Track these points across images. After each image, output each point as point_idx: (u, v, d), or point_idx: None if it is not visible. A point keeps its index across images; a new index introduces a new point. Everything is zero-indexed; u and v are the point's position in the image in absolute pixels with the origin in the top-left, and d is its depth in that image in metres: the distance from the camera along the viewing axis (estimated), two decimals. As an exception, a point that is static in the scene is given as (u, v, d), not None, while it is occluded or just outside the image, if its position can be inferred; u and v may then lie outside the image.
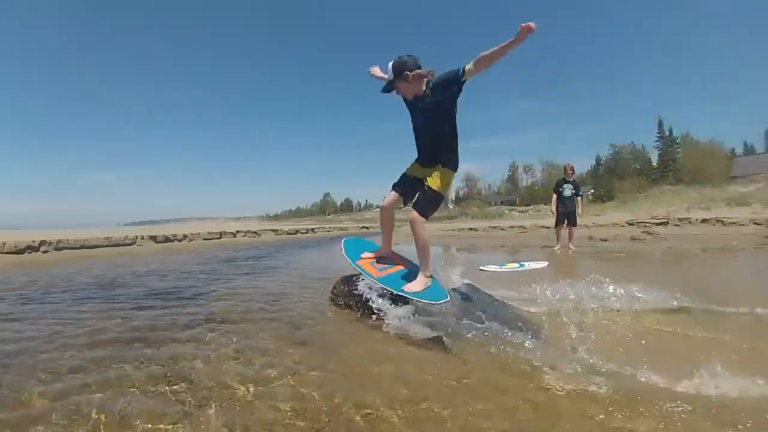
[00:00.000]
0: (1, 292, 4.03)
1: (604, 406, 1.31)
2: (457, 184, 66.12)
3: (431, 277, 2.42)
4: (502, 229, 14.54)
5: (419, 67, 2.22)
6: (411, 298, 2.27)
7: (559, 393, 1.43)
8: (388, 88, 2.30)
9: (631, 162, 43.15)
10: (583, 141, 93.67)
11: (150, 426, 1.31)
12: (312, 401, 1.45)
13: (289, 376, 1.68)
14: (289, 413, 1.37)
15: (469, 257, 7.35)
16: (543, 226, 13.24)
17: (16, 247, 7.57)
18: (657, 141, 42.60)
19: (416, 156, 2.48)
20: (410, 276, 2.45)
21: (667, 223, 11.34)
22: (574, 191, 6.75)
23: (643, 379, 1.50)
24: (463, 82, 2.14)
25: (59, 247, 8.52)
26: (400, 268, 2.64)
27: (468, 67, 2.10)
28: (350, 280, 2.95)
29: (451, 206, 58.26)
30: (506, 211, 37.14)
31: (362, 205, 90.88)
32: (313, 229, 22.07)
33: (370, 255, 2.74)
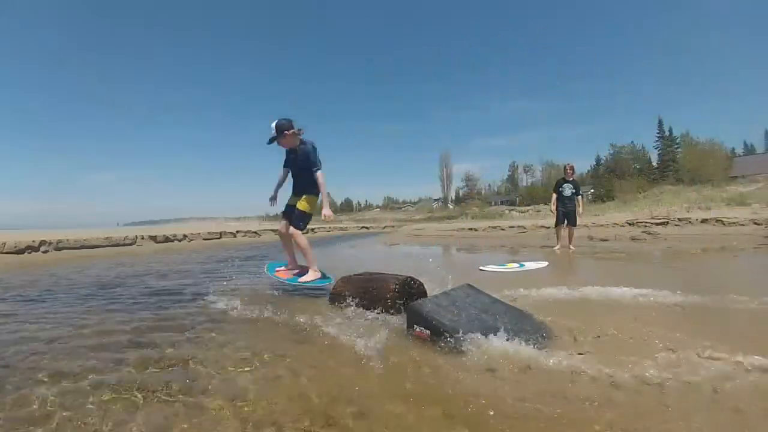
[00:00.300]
0: (2, 292, 4.03)
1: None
2: (457, 184, 66.20)
3: (317, 270, 3.41)
4: (502, 229, 14.54)
5: (293, 128, 3.18)
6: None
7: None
8: (271, 141, 3.21)
9: (631, 162, 43.13)
10: (583, 141, 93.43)
11: (145, 422, 1.32)
12: (308, 399, 1.45)
13: (288, 375, 1.68)
14: (284, 411, 1.38)
15: (469, 257, 7.35)
16: (543, 226, 13.24)
17: (16, 247, 7.57)
18: (657, 141, 42.64)
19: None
20: (305, 274, 3.43)
21: (667, 223, 11.33)
22: (574, 191, 6.74)
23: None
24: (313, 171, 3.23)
25: (59, 247, 8.52)
26: (301, 271, 3.54)
27: (317, 173, 3.21)
28: (350, 280, 2.96)
29: (451, 206, 58.26)
30: (506, 211, 37.14)
31: (362, 205, 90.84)
32: (313, 229, 22.07)
33: (282, 269, 3.66)
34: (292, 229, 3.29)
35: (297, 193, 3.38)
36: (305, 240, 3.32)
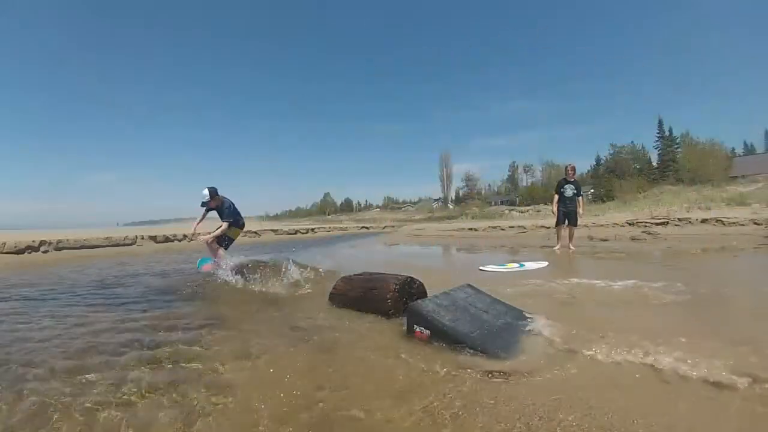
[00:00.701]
0: (2, 291, 4.03)
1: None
2: (457, 184, 66.17)
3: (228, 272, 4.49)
4: (502, 229, 14.53)
5: (217, 194, 4.75)
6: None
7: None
8: (204, 204, 4.74)
9: (631, 162, 43.06)
10: (583, 141, 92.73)
11: (139, 415, 1.32)
12: (308, 399, 1.45)
13: (286, 374, 1.68)
14: (280, 409, 1.38)
15: (469, 257, 7.35)
16: (543, 226, 13.23)
17: (16, 247, 7.57)
18: (657, 141, 42.52)
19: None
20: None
21: (667, 223, 11.32)
22: (575, 191, 6.74)
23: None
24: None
25: (59, 247, 8.52)
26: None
27: (223, 222, 4.77)
28: (350, 281, 2.96)
29: (451, 206, 58.23)
30: (506, 211, 37.12)
31: (362, 205, 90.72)
32: (313, 229, 22.07)
33: (208, 264, 5.09)
34: (219, 247, 4.97)
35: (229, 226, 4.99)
36: (223, 252, 4.95)
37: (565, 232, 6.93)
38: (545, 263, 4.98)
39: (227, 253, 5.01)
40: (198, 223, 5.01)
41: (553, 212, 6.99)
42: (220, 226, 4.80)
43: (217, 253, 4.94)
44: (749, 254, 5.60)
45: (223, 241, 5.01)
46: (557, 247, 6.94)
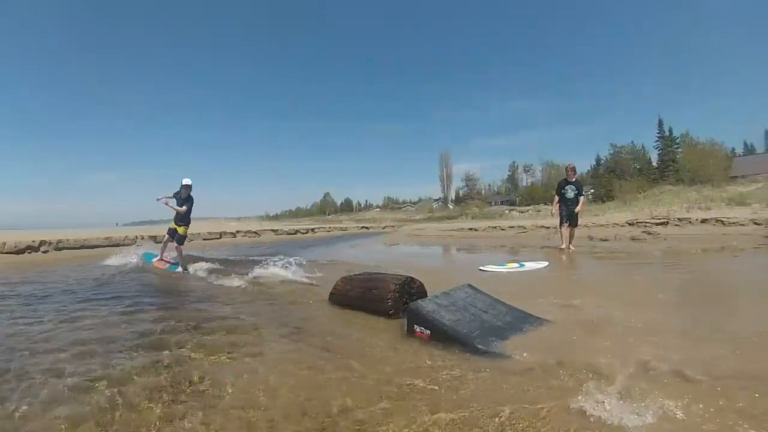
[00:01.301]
0: (2, 291, 4.03)
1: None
2: (457, 184, 66.15)
3: (182, 267, 5.62)
4: (502, 229, 14.52)
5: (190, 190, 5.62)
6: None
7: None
8: (181, 190, 5.61)
9: (631, 162, 43.04)
10: (583, 141, 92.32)
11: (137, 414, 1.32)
12: (306, 400, 1.45)
13: (285, 373, 1.68)
14: (277, 404, 1.38)
15: (469, 257, 7.35)
16: (543, 226, 13.22)
17: (16, 247, 7.57)
18: (657, 141, 42.52)
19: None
20: (177, 265, 5.62)
21: (667, 223, 11.31)
22: (576, 192, 6.74)
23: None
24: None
25: (59, 247, 8.52)
26: (174, 263, 5.82)
27: (183, 206, 5.60)
28: (350, 281, 2.96)
29: (451, 206, 58.24)
30: (506, 211, 37.14)
31: (362, 205, 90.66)
32: (313, 229, 22.06)
33: (156, 260, 5.97)
34: (177, 245, 5.76)
35: (177, 221, 5.76)
36: (181, 249, 5.83)
37: (566, 232, 6.94)
38: (545, 263, 4.98)
39: (180, 249, 5.82)
40: (166, 198, 5.74)
41: (552, 213, 6.99)
42: (181, 208, 5.59)
43: (168, 247, 5.80)
44: (749, 254, 5.60)
45: (173, 235, 5.81)
46: (563, 245, 6.96)
